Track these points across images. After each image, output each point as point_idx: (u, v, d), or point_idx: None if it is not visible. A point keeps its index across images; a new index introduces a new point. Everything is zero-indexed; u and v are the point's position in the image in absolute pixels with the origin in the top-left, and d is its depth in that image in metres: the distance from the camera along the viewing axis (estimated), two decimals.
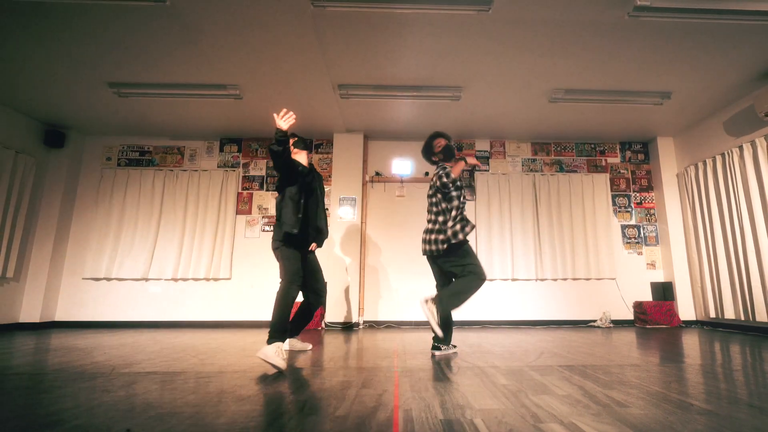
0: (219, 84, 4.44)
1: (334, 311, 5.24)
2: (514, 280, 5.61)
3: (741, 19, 3.34)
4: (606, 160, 6.02)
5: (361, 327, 5.28)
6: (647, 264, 5.70)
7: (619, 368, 2.37)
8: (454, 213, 2.89)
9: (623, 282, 5.60)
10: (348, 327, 5.19)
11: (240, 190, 5.78)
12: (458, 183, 2.97)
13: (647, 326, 5.15)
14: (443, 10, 3.29)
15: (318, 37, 3.63)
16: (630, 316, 5.49)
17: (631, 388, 1.87)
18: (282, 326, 2.60)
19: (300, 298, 5.16)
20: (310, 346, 3.23)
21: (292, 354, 3.03)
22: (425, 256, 3.38)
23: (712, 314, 4.99)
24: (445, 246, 2.84)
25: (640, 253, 5.73)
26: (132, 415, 1.50)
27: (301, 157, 3.09)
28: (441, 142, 3.10)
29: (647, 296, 5.58)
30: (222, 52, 3.86)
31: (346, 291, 5.34)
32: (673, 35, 3.58)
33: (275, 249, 2.85)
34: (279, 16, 3.35)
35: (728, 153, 4.81)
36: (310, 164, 3.20)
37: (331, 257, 5.43)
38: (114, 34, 3.57)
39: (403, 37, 3.65)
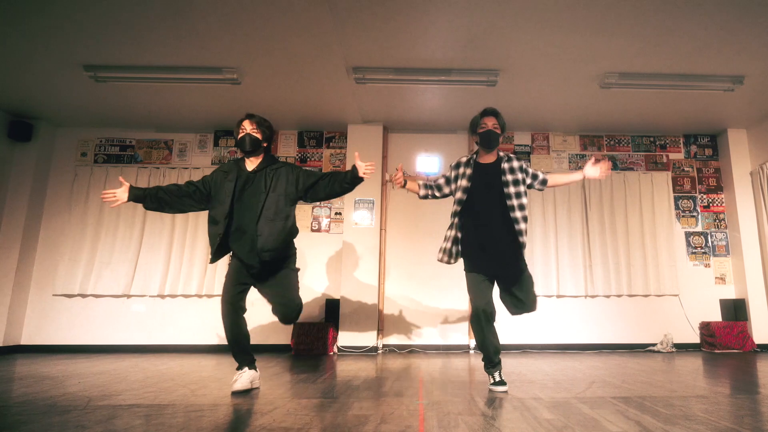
0: (213, 66, 4.42)
1: (348, 333, 5.23)
2: (559, 297, 5.59)
3: None
4: (668, 156, 5.99)
5: (380, 352, 5.29)
6: (716, 278, 5.66)
7: (682, 400, 2.39)
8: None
9: (688, 299, 5.54)
10: (365, 351, 5.19)
11: None
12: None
13: (716, 351, 5.13)
14: None
15: (330, 10, 3.57)
16: (696, 339, 5.46)
17: (697, 424, 1.87)
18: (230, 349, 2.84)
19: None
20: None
21: (300, 382, 3.02)
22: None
23: None
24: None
25: (707, 266, 5.69)
26: None
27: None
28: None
29: (716, 316, 5.53)
30: (217, 29, 3.80)
31: (363, 309, 5.34)
32: (748, 8, 3.51)
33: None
34: None
35: None
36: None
37: (343, 269, 5.40)
38: (90, 7, 3.50)
39: (430, 10, 3.58)
